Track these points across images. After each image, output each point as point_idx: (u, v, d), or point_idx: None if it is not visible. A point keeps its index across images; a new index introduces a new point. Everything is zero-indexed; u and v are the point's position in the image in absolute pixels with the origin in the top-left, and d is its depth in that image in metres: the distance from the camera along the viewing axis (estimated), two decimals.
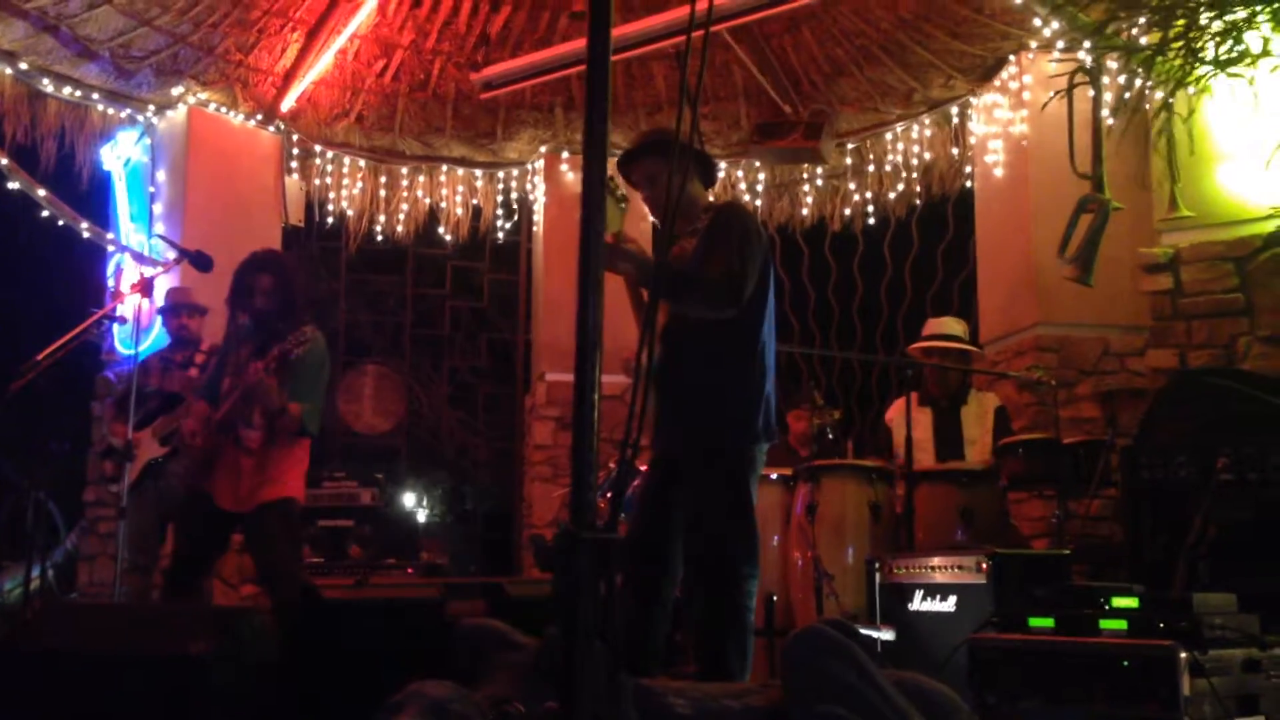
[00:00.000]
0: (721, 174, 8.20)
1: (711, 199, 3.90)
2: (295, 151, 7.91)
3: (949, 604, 4.08)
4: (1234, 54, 5.27)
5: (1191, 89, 5.57)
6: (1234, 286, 5.70)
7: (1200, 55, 5.38)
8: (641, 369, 1.95)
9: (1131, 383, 6.08)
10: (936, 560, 4.18)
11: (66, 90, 7.09)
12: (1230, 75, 5.44)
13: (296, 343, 4.43)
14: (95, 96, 7.25)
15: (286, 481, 4.53)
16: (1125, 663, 2.82)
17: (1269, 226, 5.60)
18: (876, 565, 4.42)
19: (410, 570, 6.23)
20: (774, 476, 5.29)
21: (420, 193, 8.33)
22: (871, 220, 7.94)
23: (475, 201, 8.46)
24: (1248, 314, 5.66)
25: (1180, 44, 5.39)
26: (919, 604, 4.19)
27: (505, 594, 2.99)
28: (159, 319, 6.32)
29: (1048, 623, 3.10)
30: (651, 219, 3.69)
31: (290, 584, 4.27)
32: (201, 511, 4.50)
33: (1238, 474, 4.23)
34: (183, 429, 4.61)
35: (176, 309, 5.94)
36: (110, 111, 7.39)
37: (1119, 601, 3.02)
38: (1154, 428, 5.07)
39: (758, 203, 8.23)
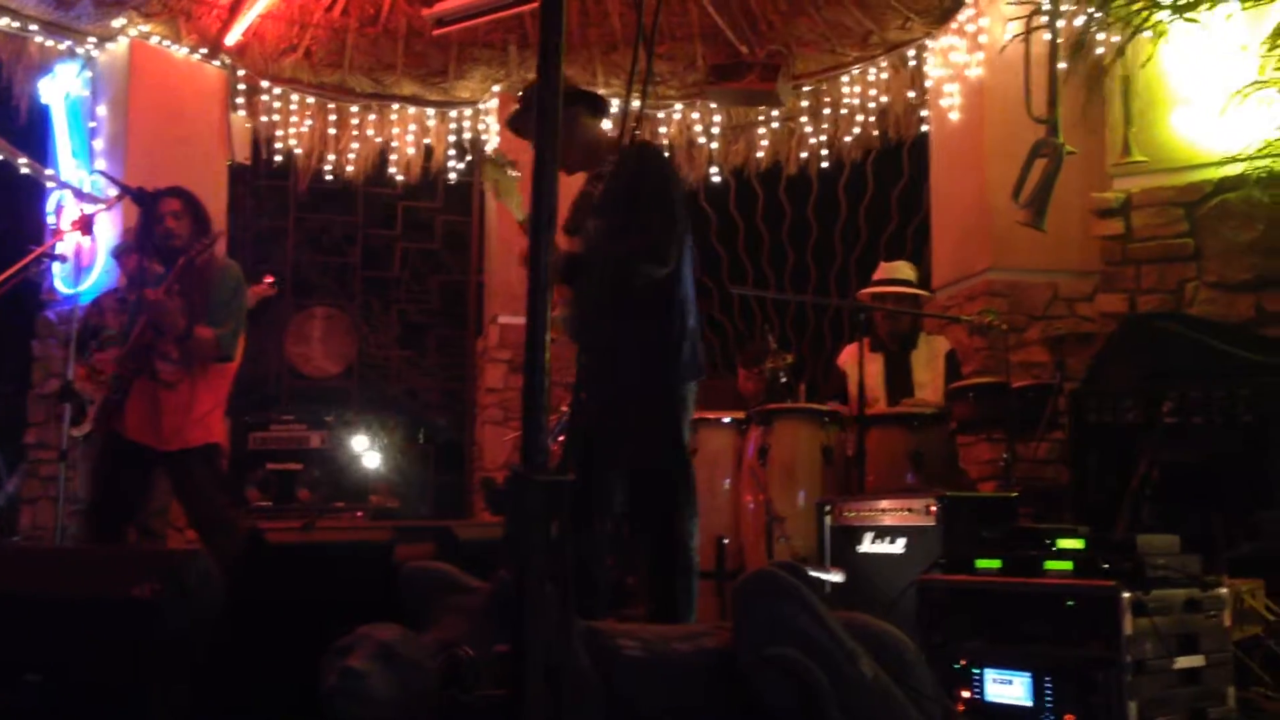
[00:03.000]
0: (678, 115, 8.12)
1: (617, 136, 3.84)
2: (241, 87, 7.72)
3: (898, 546, 4.11)
4: None
5: (1148, 33, 5.56)
6: (1184, 232, 5.75)
7: None
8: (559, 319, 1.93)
9: (1080, 328, 6.14)
10: (886, 503, 4.20)
11: (3, 21, 6.85)
12: (1186, 19, 5.44)
13: (200, 249, 4.32)
14: (33, 27, 7.01)
15: (210, 425, 4.43)
16: (1070, 603, 2.86)
17: (1220, 173, 5.64)
18: (827, 508, 4.44)
19: (360, 514, 6.21)
20: (726, 420, 5.29)
21: (370, 131, 8.18)
22: (827, 164, 7.90)
23: (427, 141, 8.31)
24: (1196, 259, 5.71)
25: None
26: (869, 546, 4.22)
27: (455, 537, 2.97)
28: (111, 261, 6.16)
29: (995, 564, 3.13)
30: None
31: (225, 530, 4.20)
32: (113, 450, 4.37)
33: (1182, 417, 4.28)
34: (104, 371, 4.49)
35: (129, 248, 5.78)
36: (49, 43, 7.15)
37: (1064, 543, 3.05)
38: (1101, 372, 5.12)
39: (713, 145, 8.16)
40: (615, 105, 7.88)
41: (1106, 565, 2.89)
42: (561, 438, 4.82)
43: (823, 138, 7.86)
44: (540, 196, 1.87)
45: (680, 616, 3.42)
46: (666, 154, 3.90)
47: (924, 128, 7.31)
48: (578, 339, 3.47)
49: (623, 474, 3.51)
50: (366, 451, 6.77)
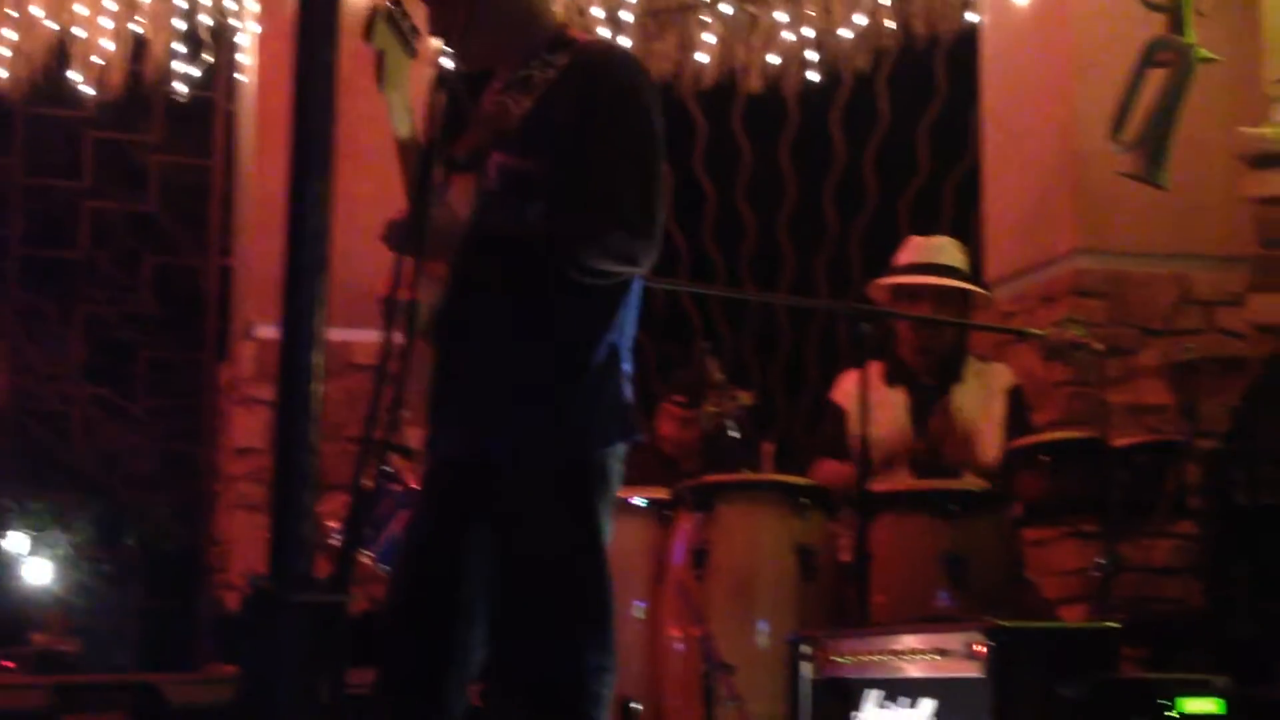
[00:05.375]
0: None
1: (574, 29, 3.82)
2: None
3: (922, 713, 4.14)
4: None
5: None
6: None
7: None
8: (412, 317, 1.91)
9: (1224, 348, 6.23)
10: (906, 640, 4.23)
11: None
12: None
13: None
14: None
15: None
16: None
17: None
18: (806, 649, 4.45)
19: (11, 665, 6.13)
20: (637, 501, 5.28)
21: (39, 10, 8.10)
22: (814, 76, 7.97)
23: (137, 24, 8.23)
24: None
25: None
26: (873, 713, 4.24)
27: (163, 700, 2.95)
28: None
29: None
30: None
31: None
32: None
33: None
34: None
35: None
36: None
37: (1191, 706, 3.09)
38: (1257, 423, 5.21)
39: (621, 41, 8.19)
40: None
41: None
42: (369, 551, 4.80)
43: (807, 33, 7.91)
44: (307, 127, 1.84)
45: None
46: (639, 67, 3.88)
47: (971, 16, 7.40)
48: (433, 345, 3.44)
49: (488, 590, 3.48)
50: (23, 558, 6.70)
